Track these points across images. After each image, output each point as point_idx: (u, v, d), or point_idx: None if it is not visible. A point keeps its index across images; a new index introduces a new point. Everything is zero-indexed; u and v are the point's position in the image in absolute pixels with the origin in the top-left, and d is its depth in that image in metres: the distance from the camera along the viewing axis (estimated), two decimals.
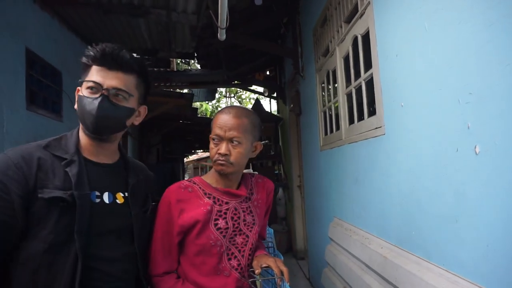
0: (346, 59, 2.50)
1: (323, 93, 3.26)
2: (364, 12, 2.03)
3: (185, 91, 6.53)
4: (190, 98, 5.61)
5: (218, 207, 1.23)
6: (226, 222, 1.22)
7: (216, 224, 1.21)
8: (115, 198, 1.12)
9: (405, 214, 1.61)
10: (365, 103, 2.11)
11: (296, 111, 4.41)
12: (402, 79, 1.59)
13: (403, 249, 1.62)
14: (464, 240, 1.19)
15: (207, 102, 13.45)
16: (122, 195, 1.14)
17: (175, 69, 6.96)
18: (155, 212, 1.25)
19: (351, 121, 2.43)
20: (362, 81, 2.14)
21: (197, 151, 15.85)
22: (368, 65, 2.04)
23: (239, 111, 1.23)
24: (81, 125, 1.10)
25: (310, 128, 3.74)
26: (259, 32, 4.68)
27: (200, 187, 1.25)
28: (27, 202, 0.95)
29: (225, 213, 1.23)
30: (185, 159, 15.30)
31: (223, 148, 1.18)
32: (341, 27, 2.50)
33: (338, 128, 2.73)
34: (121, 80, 1.06)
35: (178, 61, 8.53)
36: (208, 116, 14.78)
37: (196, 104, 11.55)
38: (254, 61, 5.83)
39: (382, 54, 1.79)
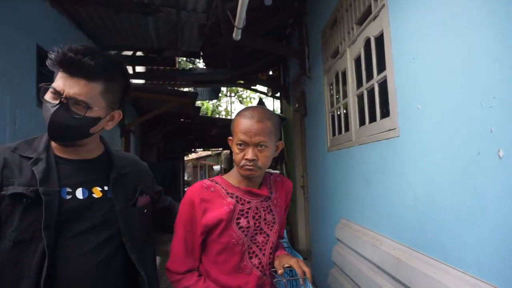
0: (357, 60, 2.50)
1: (331, 94, 3.27)
2: (378, 15, 2.03)
3: (185, 89, 6.55)
4: (194, 96, 5.61)
5: (240, 206, 1.24)
6: (248, 221, 1.23)
7: (238, 223, 1.22)
8: (91, 193, 1.09)
9: (420, 216, 1.61)
10: (377, 105, 2.12)
11: (301, 112, 4.42)
12: (419, 82, 1.59)
13: (418, 251, 1.63)
14: (484, 243, 1.20)
15: (208, 101, 13.44)
16: (100, 189, 1.11)
17: (179, 68, 6.96)
18: (158, 202, 1.28)
19: (362, 123, 2.44)
20: (374, 82, 2.15)
21: (197, 149, 15.88)
22: (381, 67, 2.04)
23: (261, 114, 1.21)
24: None
25: (316, 129, 3.75)
26: (265, 33, 4.68)
27: (222, 187, 1.26)
28: None
29: (247, 212, 1.24)
30: (185, 157, 15.31)
31: (250, 153, 1.18)
32: (353, 29, 2.51)
33: (347, 129, 2.74)
34: (82, 88, 1.00)
35: (179, 60, 8.53)
36: (209, 115, 14.78)
37: (197, 103, 11.55)
38: (258, 61, 5.84)
39: (398, 57, 1.80)
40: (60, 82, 1.00)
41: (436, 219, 1.48)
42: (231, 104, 20.39)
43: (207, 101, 13.44)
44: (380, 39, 2.05)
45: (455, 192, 1.35)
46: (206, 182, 1.27)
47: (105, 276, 1.06)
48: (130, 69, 5.34)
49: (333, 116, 3.19)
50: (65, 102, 0.99)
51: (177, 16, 2.95)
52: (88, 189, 1.09)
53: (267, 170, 1.33)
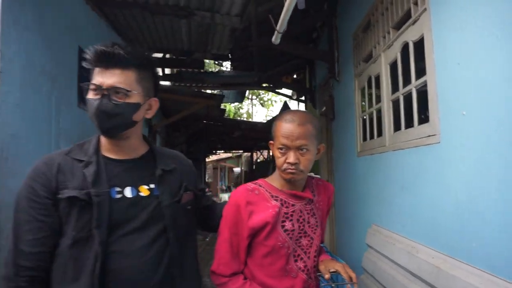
0: (393, 65, 2.48)
1: (363, 99, 3.24)
2: (419, 19, 2.01)
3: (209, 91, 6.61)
4: (220, 99, 5.67)
5: (285, 209, 1.25)
6: (293, 224, 1.24)
7: (283, 226, 1.23)
8: (138, 191, 1.15)
9: (463, 224, 1.58)
10: (415, 110, 2.09)
11: (329, 115, 4.40)
12: (464, 88, 1.56)
13: (460, 260, 1.59)
14: None
15: (230, 103, 13.55)
16: (147, 187, 1.16)
17: (206, 70, 7.06)
18: (202, 200, 1.32)
19: (397, 128, 2.41)
20: (412, 88, 2.12)
21: (218, 151, 16.02)
22: (421, 72, 2.02)
23: (302, 117, 1.22)
24: None
25: (345, 134, 3.72)
26: (294, 36, 4.69)
27: (266, 190, 1.27)
28: (54, 202, 1.05)
29: (292, 215, 1.25)
30: (206, 159, 15.47)
31: (291, 157, 1.18)
32: (389, 33, 2.49)
33: (379, 134, 2.71)
34: (118, 77, 1.07)
35: (206, 61, 8.64)
36: (231, 117, 14.89)
37: (222, 105, 11.66)
38: (284, 64, 5.85)
39: (440, 62, 1.77)
40: (98, 76, 1.07)
41: (482, 227, 1.44)
42: (252, 106, 20.48)
43: (230, 103, 13.55)
44: (419, 44, 2.03)
45: (504, 199, 1.32)
46: (251, 185, 1.29)
47: (156, 270, 1.11)
48: (159, 71, 5.46)
49: (364, 121, 3.16)
50: (106, 93, 1.06)
51: (211, 19, 3.00)
52: (136, 187, 1.15)
53: (308, 174, 1.33)
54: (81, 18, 2.75)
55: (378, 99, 2.75)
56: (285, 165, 1.20)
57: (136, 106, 1.13)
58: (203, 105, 5.60)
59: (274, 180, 1.31)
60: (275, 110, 21.08)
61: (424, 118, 1.99)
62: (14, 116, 1.89)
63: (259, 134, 8.53)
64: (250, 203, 1.22)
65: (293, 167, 1.19)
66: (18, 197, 1.07)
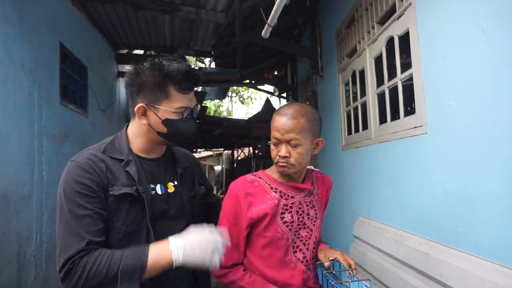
0: (378, 59, 2.53)
1: (347, 93, 3.29)
2: (403, 13, 2.06)
3: None
4: (202, 95, 5.63)
5: (284, 201, 1.25)
6: (292, 216, 1.25)
7: (282, 218, 1.23)
8: (166, 188, 1.24)
9: (451, 211, 1.64)
10: (401, 103, 2.15)
11: None
12: (451, 79, 1.62)
13: (448, 246, 1.65)
14: None
15: (211, 101, 13.45)
16: (172, 184, 1.26)
17: None
18: (208, 196, 1.37)
19: (383, 121, 2.46)
20: (398, 81, 2.18)
21: (199, 149, 15.87)
22: (406, 65, 2.07)
23: (296, 111, 1.21)
24: (148, 131, 1.20)
25: (329, 128, 3.77)
26: (275, 32, 4.71)
27: (266, 182, 1.28)
28: (105, 198, 1.09)
29: (291, 207, 1.26)
30: None
31: (282, 150, 1.20)
32: (373, 28, 2.54)
33: (365, 127, 2.77)
34: (194, 97, 1.23)
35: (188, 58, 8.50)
36: (211, 114, 14.79)
37: (204, 103, 11.56)
38: (265, 61, 5.86)
39: (426, 55, 1.82)
40: (187, 99, 1.18)
41: (470, 214, 1.50)
42: (232, 104, 20.41)
43: (210, 101, 13.45)
44: (404, 38, 2.08)
45: (493, 186, 1.37)
46: (250, 176, 1.29)
47: None
48: None
49: (348, 115, 3.22)
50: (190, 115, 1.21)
51: (196, 14, 2.97)
52: (164, 185, 1.24)
53: (308, 167, 1.35)
54: (61, 12, 2.66)
55: (363, 93, 2.80)
56: (277, 158, 1.23)
57: None
58: None
59: (274, 172, 1.32)
60: (256, 107, 21.11)
61: (410, 110, 2.05)
62: None
63: (242, 131, 8.51)
64: (249, 195, 1.23)
65: (283, 160, 1.20)
66: (68, 195, 1.05)
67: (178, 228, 1.19)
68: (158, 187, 1.21)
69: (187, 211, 1.25)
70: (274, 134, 1.21)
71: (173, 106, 1.14)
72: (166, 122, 1.15)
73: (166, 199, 1.21)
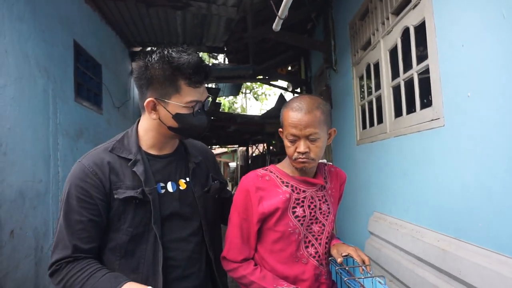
0: (393, 51, 2.47)
1: (361, 87, 3.23)
2: (419, 3, 2.00)
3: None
4: (216, 92, 5.63)
5: (296, 195, 1.23)
6: (304, 210, 1.22)
7: (294, 212, 1.21)
8: (178, 185, 1.21)
9: (470, 206, 1.58)
10: (417, 95, 2.09)
11: None
12: (469, 69, 1.56)
13: (466, 242, 1.60)
14: None
15: (225, 97, 13.49)
16: (184, 181, 1.23)
17: None
18: (223, 191, 1.35)
19: (398, 114, 2.40)
20: (414, 72, 2.12)
21: (214, 146, 15.95)
22: (422, 56, 2.01)
23: (310, 104, 1.17)
24: (156, 125, 1.17)
25: (343, 123, 3.71)
26: (288, 27, 4.66)
27: (277, 176, 1.26)
28: (107, 202, 1.09)
29: (303, 202, 1.23)
30: None
31: (301, 146, 1.15)
32: (388, 19, 2.47)
33: (380, 121, 2.71)
34: (205, 91, 1.19)
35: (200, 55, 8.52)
36: (226, 111, 14.83)
37: (217, 99, 11.60)
38: (278, 56, 5.82)
39: (443, 45, 1.76)
40: (198, 93, 1.14)
41: (490, 209, 1.44)
42: (246, 100, 20.40)
43: (224, 97, 13.48)
44: (420, 28, 2.02)
45: (511, 179, 1.31)
46: (261, 171, 1.27)
47: (199, 256, 1.22)
48: None
49: (363, 109, 3.15)
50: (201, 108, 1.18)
51: (207, 10, 2.96)
52: (176, 182, 1.21)
53: (320, 160, 1.32)
54: (74, 11, 2.69)
55: (378, 86, 2.74)
56: (295, 155, 1.18)
57: None
58: None
59: (285, 166, 1.29)
60: (270, 103, 21.03)
61: (426, 102, 1.99)
62: (10, 109, 1.84)
63: (255, 128, 8.49)
64: (260, 189, 1.20)
65: (304, 156, 1.16)
66: (68, 196, 1.07)
67: (190, 228, 1.19)
68: (169, 185, 1.18)
69: (200, 208, 1.22)
70: (291, 130, 1.16)
71: (183, 100, 1.10)
72: (176, 116, 1.12)
73: (178, 197, 1.18)
